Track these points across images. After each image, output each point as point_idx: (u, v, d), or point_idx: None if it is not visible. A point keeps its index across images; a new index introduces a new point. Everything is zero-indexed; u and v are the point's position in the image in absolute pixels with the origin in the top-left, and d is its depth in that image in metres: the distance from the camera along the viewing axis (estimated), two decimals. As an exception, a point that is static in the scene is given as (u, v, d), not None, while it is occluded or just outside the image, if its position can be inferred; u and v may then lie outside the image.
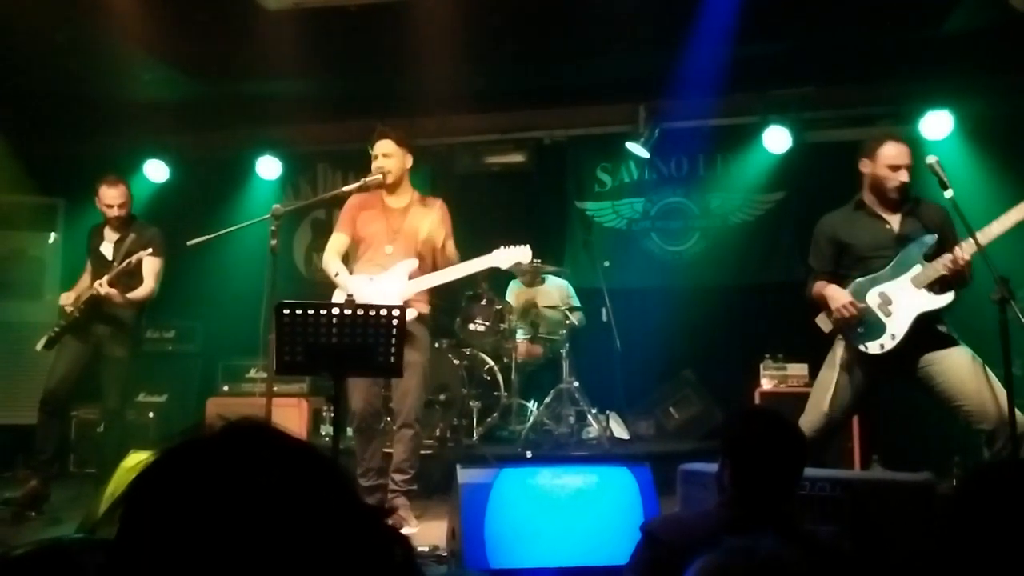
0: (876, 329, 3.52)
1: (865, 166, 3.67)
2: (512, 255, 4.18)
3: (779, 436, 2.32)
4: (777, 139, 6.19)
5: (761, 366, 5.59)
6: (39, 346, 4.86)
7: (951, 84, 5.65)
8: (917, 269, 3.50)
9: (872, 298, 3.56)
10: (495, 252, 4.20)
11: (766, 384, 5.52)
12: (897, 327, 3.49)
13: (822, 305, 3.69)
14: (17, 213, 6.76)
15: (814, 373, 5.31)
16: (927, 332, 3.48)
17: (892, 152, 3.58)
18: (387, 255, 4.21)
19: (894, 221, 3.64)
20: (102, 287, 4.65)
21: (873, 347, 3.51)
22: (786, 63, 5.74)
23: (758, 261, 6.53)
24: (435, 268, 4.26)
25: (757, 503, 2.24)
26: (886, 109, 6.11)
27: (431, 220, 4.29)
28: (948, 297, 3.45)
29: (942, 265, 3.41)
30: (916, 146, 5.79)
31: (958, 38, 5.22)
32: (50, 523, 4.43)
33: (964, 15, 5.01)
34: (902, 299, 3.50)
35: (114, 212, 4.90)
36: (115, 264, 4.74)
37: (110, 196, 4.88)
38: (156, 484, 0.79)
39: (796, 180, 6.39)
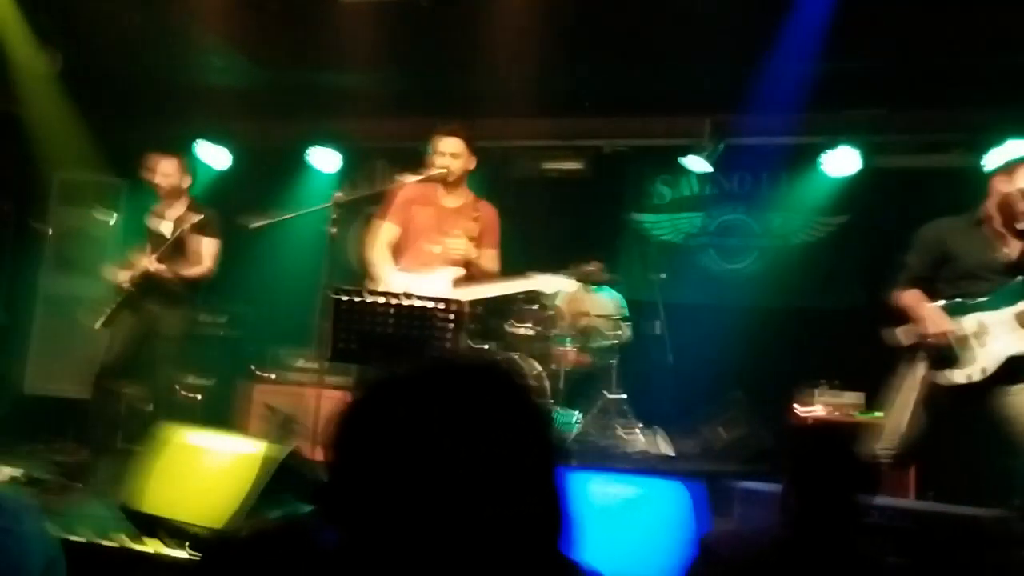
0: (966, 358, 3.32)
1: (1001, 183, 3.41)
2: (556, 283, 4.10)
3: (848, 458, 2.24)
4: (844, 161, 6.04)
5: (816, 391, 5.44)
6: (97, 324, 4.93)
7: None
8: (1022, 306, 3.29)
9: (969, 324, 3.35)
10: (538, 277, 4.11)
11: (819, 410, 5.37)
12: (988, 361, 3.29)
13: (907, 316, 3.49)
14: (82, 191, 6.89)
15: (870, 402, 5.19)
16: (1016, 370, 3.28)
17: None
18: (434, 254, 4.13)
19: (1014, 248, 3.39)
20: (151, 263, 4.72)
21: (959, 376, 3.33)
22: (859, 83, 5.59)
23: (817, 285, 6.37)
24: (473, 277, 4.15)
25: (821, 526, 2.16)
26: (960, 136, 5.93)
27: (479, 226, 4.20)
28: None
29: None
30: (986, 178, 5.69)
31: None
32: (94, 495, 4.46)
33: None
34: (1000, 334, 3.28)
35: (164, 182, 4.93)
36: (170, 241, 4.79)
37: (162, 166, 4.93)
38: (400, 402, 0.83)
39: (861, 204, 6.24)
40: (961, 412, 3.47)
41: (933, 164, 6.03)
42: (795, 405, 5.40)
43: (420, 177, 4.18)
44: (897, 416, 3.47)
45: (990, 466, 4.11)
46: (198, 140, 6.89)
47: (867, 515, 2.22)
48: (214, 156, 7.00)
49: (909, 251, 3.59)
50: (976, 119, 5.76)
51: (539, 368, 5.74)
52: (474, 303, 4.20)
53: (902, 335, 3.50)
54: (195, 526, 2.97)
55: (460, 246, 4.05)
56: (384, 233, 4.26)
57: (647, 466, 5.18)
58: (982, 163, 5.60)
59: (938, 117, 5.93)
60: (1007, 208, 3.37)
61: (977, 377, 3.32)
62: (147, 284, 4.81)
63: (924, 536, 2.77)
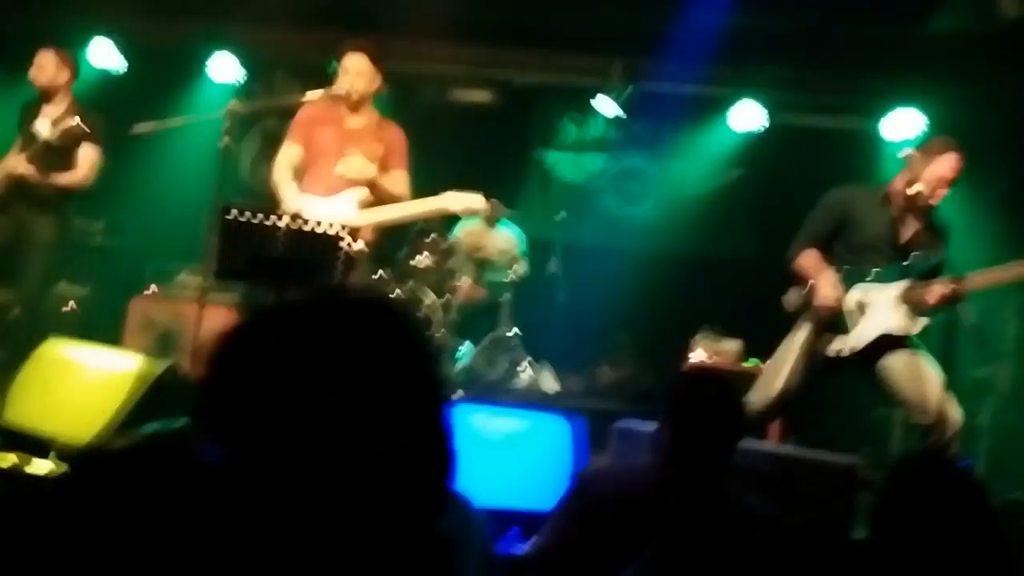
0: (839, 328, 3.46)
1: (918, 162, 3.41)
2: (465, 200, 4.02)
3: (723, 403, 2.32)
4: (745, 116, 6.16)
5: (695, 337, 5.62)
6: None
7: (925, 85, 5.67)
8: (907, 284, 3.39)
9: (852, 296, 3.45)
10: (447, 194, 4.03)
11: (698, 355, 5.55)
12: (859, 338, 3.43)
13: (802, 278, 3.57)
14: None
15: (750, 350, 5.42)
16: (888, 344, 3.41)
17: (952, 165, 3.38)
18: (337, 176, 4.01)
19: (911, 227, 3.49)
20: (21, 165, 4.44)
21: (836, 345, 3.47)
22: (766, 40, 5.67)
23: (709, 234, 6.58)
24: (381, 199, 4.06)
25: (693, 467, 2.24)
26: (855, 100, 6.12)
27: (384, 147, 4.11)
28: (922, 323, 3.38)
29: (933, 293, 3.28)
30: (877, 143, 5.94)
31: (940, 39, 5.22)
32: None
33: (949, 16, 5.00)
34: (878, 310, 3.40)
35: (39, 76, 4.58)
36: (46, 143, 4.48)
37: (38, 58, 4.59)
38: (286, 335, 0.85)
39: (758, 159, 6.42)
40: (834, 370, 3.63)
41: (828, 125, 6.25)
42: (685, 350, 5.57)
43: (322, 93, 4.02)
44: (775, 370, 3.61)
45: (853, 417, 4.42)
46: (83, 35, 6.38)
47: (735, 458, 2.31)
48: (99, 53, 6.50)
49: (813, 211, 3.65)
50: (869, 85, 5.96)
51: (433, 299, 5.73)
52: (373, 229, 4.10)
53: (790, 299, 3.61)
54: (62, 439, 2.86)
55: (358, 166, 3.94)
56: (286, 153, 4.13)
57: (532, 401, 5.30)
58: (877, 128, 5.82)
59: (834, 80, 6.08)
60: (916, 191, 3.39)
61: (845, 352, 3.47)
62: (17, 187, 4.51)
63: (783, 479, 2.93)
